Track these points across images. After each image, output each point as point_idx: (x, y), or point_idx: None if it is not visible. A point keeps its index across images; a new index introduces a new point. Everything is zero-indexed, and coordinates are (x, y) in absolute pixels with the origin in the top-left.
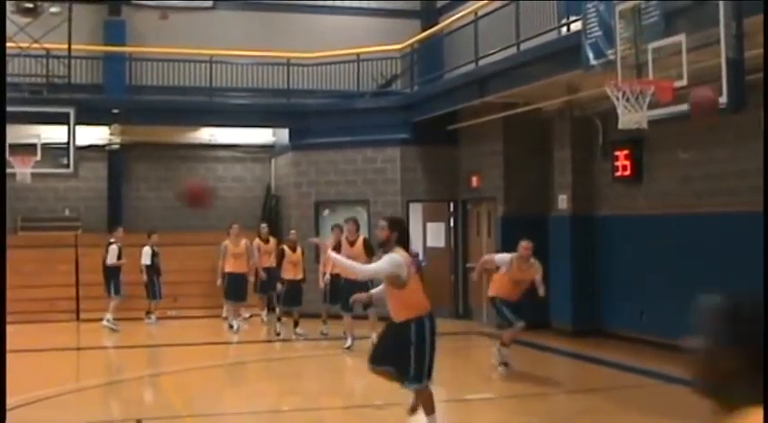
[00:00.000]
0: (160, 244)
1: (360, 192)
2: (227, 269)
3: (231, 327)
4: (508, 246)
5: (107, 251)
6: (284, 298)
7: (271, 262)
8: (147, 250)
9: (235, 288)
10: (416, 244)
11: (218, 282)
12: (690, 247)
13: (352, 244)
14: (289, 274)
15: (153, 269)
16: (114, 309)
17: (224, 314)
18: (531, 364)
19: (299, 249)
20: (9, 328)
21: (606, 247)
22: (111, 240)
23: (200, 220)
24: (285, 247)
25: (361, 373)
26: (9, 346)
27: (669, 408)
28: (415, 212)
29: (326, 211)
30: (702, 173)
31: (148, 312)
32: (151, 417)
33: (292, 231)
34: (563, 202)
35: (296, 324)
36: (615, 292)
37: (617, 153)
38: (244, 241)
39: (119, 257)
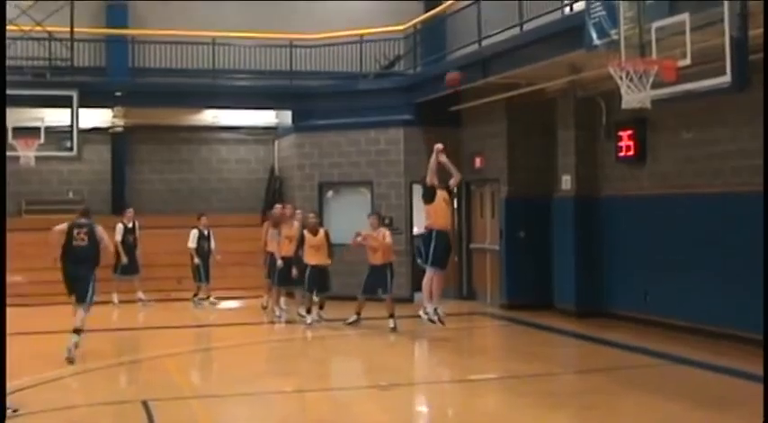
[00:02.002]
0: (165, 226)
1: (363, 173)
2: (284, 252)
3: (279, 317)
4: (512, 227)
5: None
6: (308, 283)
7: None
8: (194, 233)
9: (288, 273)
10: (420, 225)
11: (279, 263)
12: (694, 227)
13: None
14: (311, 259)
15: (200, 252)
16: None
17: (264, 303)
18: (535, 345)
19: (321, 232)
20: (13, 311)
21: (610, 227)
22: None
23: (203, 202)
24: (305, 232)
25: (368, 354)
26: (13, 328)
27: (673, 387)
28: (419, 193)
29: (330, 193)
30: (706, 153)
31: (195, 295)
32: (156, 398)
33: (311, 214)
34: (566, 182)
35: (321, 306)
36: (619, 272)
37: (620, 133)
38: (296, 224)
39: (197, 241)
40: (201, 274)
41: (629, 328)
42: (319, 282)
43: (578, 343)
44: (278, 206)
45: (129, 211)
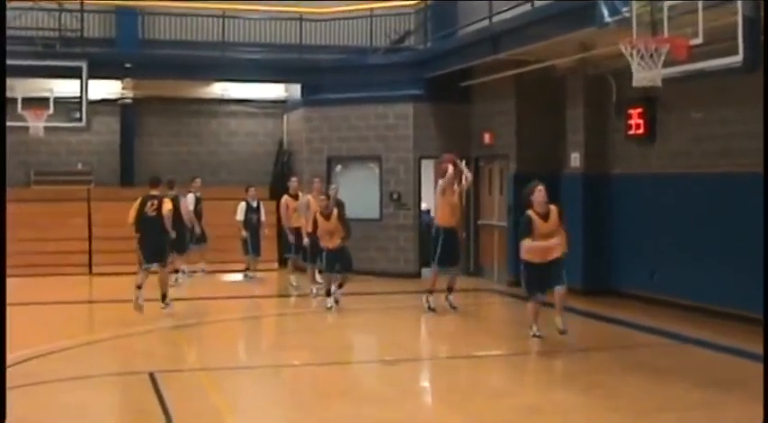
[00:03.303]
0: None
1: (372, 148)
2: (311, 229)
3: (329, 296)
4: (519, 203)
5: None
6: (327, 264)
7: (299, 221)
8: (242, 205)
9: (317, 249)
10: (428, 200)
11: (305, 241)
12: (702, 206)
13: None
14: (327, 243)
15: (248, 225)
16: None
17: (294, 282)
18: (541, 322)
19: (333, 215)
20: (23, 281)
21: (618, 205)
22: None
23: (210, 175)
24: (317, 215)
25: (377, 329)
26: (23, 298)
27: (678, 367)
28: (428, 169)
29: (339, 167)
30: (716, 132)
31: (247, 269)
32: (164, 369)
33: (322, 196)
34: (575, 160)
35: (341, 285)
36: (626, 250)
37: (630, 111)
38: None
39: (245, 214)
40: (249, 247)
41: (635, 307)
42: (340, 261)
43: (584, 321)
44: (317, 179)
45: (198, 181)
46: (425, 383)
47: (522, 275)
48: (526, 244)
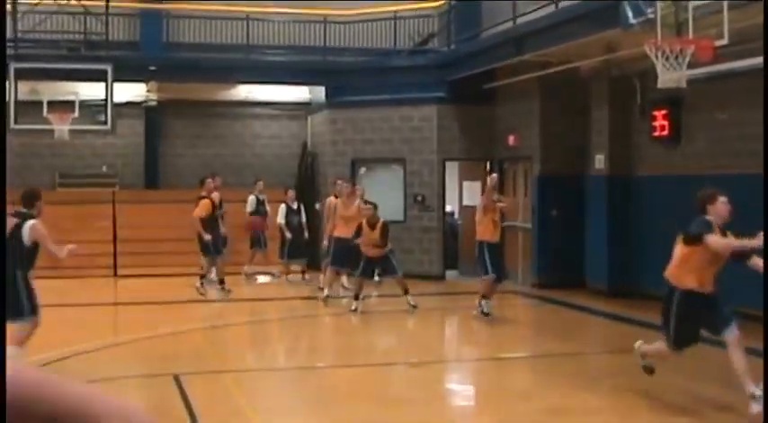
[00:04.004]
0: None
1: (396, 150)
2: (337, 233)
3: (357, 300)
4: (544, 205)
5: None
6: (363, 268)
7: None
8: (282, 208)
9: (345, 254)
10: (452, 203)
11: (325, 243)
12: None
13: None
14: (368, 251)
15: (290, 227)
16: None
17: (321, 284)
18: (566, 324)
19: (378, 227)
20: (46, 283)
21: (643, 207)
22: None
23: (235, 177)
24: (363, 223)
25: (400, 332)
26: (46, 300)
27: (706, 369)
28: (452, 171)
29: (363, 169)
30: (741, 134)
31: (305, 272)
32: (189, 372)
33: (368, 205)
34: (600, 161)
35: (406, 291)
36: (651, 252)
37: (655, 113)
38: (357, 202)
39: (286, 216)
40: (286, 250)
41: (660, 309)
42: (380, 267)
43: (610, 323)
44: (347, 184)
45: (260, 184)
46: (450, 385)
47: (675, 315)
48: (721, 240)
